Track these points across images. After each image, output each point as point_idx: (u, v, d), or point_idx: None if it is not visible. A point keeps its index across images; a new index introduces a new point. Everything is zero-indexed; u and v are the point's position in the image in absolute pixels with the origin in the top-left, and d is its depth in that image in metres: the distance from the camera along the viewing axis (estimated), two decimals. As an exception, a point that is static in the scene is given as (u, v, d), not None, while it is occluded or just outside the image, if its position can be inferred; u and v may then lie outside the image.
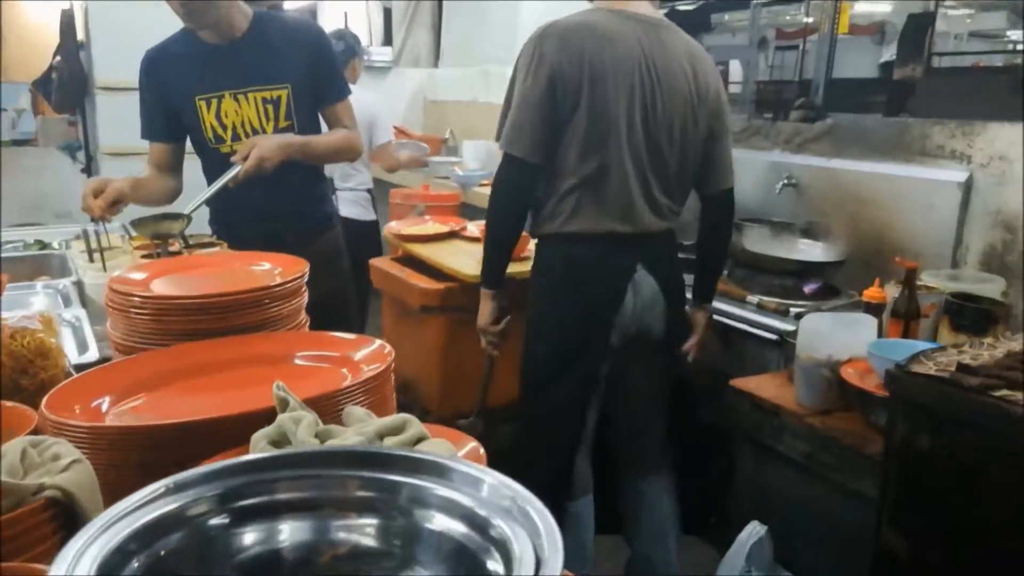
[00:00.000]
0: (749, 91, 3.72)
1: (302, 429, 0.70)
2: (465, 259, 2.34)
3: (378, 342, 0.97)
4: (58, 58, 4.53)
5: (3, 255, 1.87)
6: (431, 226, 2.70)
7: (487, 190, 4.06)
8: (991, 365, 1.32)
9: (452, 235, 2.64)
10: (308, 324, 1.15)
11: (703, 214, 1.94)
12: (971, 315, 1.99)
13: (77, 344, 1.20)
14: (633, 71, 1.69)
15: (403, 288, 2.40)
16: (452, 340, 2.34)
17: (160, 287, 1.07)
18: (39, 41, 7.51)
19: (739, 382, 2.01)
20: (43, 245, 2.25)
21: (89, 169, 4.77)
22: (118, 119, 4.75)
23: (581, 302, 1.81)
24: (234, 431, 0.76)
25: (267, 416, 0.77)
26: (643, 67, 1.70)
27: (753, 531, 1.85)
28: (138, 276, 1.07)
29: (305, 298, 1.13)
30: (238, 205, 2.06)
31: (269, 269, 1.16)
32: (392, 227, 2.70)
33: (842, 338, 1.81)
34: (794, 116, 2.90)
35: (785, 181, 2.79)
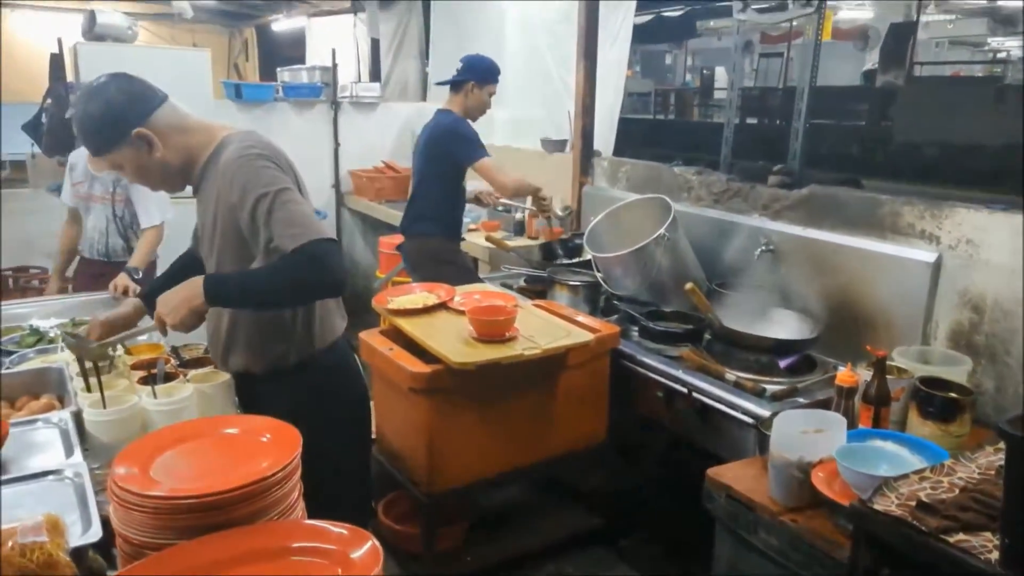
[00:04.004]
0: (734, 96, 3.75)
1: None
2: (454, 341, 2.40)
3: (371, 542, 1.03)
4: (48, 101, 4.56)
5: (2, 372, 1.92)
6: (420, 296, 2.75)
7: (473, 236, 4.16)
8: (949, 502, 1.40)
9: (441, 307, 2.69)
10: (301, 492, 1.22)
11: None
12: (938, 404, 2.08)
13: (81, 510, 1.25)
14: None
15: (391, 368, 2.46)
16: (440, 419, 2.40)
17: (159, 473, 1.13)
18: (30, 67, 7.53)
19: (716, 471, 2.08)
20: (39, 336, 2.30)
21: (79, 211, 4.79)
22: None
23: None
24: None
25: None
26: None
27: (730, 621, 1.94)
28: (134, 470, 1.13)
29: (299, 472, 1.19)
30: None
31: (264, 444, 1.22)
32: (382, 298, 2.74)
33: (812, 439, 1.89)
34: (772, 181, 2.98)
35: (763, 247, 2.87)
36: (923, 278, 2.41)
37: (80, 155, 3.47)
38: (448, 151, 3.57)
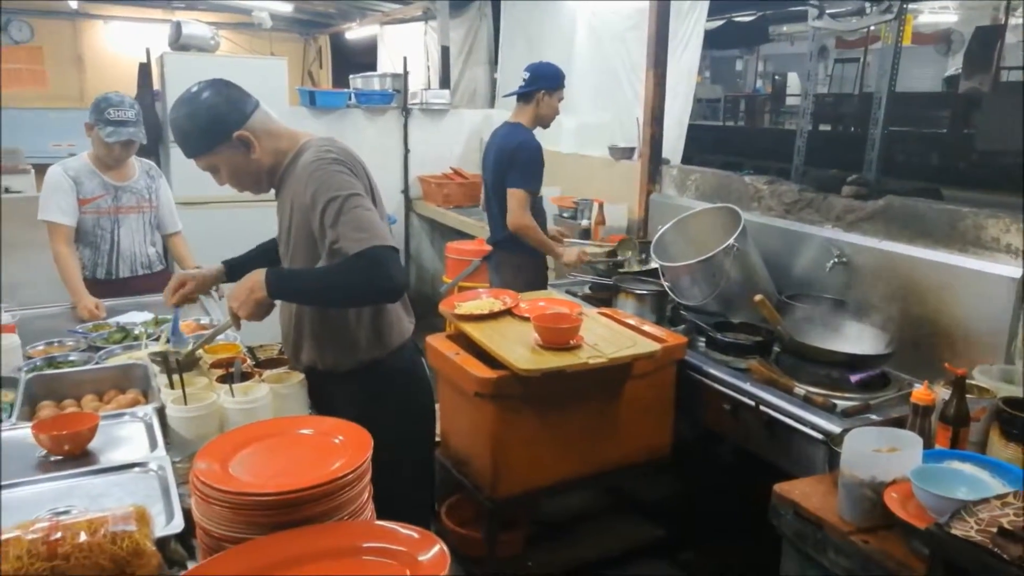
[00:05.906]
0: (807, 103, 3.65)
1: None
2: (519, 347, 2.42)
3: (438, 546, 1.05)
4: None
5: (87, 368, 2.03)
6: (486, 302, 2.78)
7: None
8: (1032, 530, 1.34)
9: (506, 313, 2.72)
10: (371, 494, 1.25)
11: None
12: (1022, 425, 1.99)
13: (164, 502, 1.32)
14: None
15: (457, 372, 2.49)
16: (505, 426, 2.43)
17: (238, 470, 1.19)
18: (121, 76, 7.89)
19: (784, 487, 2.03)
20: (125, 333, 2.41)
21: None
22: (190, 171, 4.94)
23: None
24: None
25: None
26: None
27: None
28: (215, 466, 1.18)
29: (369, 474, 1.23)
30: None
31: (337, 445, 1.27)
32: (449, 303, 2.79)
33: (886, 458, 1.83)
34: (846, 192, 2.91)
35: (836, 259, 2.81)
36: (1007, 294, 2.32)
37: (80, 169, 3.00)
38: (509, 168, 3.45)
